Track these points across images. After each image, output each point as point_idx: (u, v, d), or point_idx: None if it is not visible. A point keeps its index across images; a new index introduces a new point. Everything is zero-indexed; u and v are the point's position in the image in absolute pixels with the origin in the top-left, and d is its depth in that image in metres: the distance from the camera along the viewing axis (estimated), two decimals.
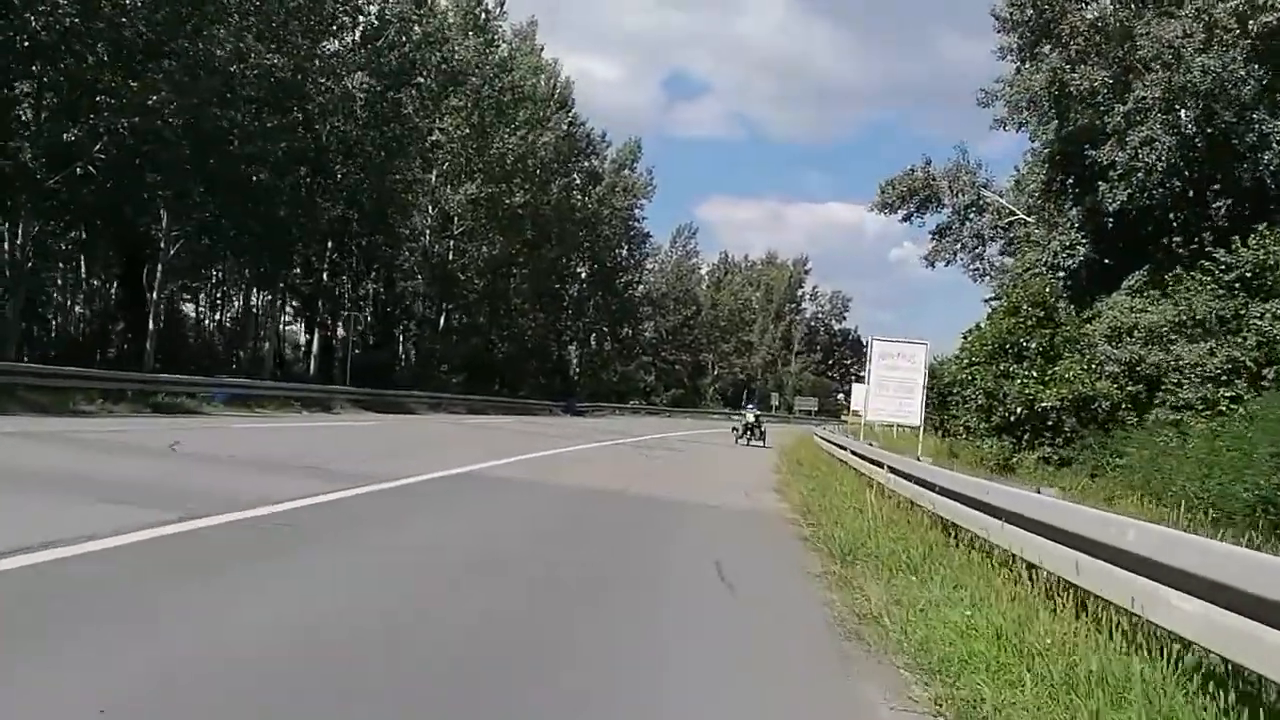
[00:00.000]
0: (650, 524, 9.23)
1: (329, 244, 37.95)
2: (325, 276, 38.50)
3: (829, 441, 21.59)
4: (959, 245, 31.00)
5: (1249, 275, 18.41)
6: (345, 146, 34.30)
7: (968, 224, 30.37)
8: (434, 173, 45.11)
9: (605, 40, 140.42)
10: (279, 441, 14.55)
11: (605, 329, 72.77)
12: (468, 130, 44.61)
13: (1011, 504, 6.45)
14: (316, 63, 31.70)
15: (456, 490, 10.11)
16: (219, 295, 39.68)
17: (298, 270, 39.40)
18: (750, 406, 29.75)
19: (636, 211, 71.31)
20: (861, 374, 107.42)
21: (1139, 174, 20.59)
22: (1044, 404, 19.98)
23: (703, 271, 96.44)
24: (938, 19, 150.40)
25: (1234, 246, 18.69)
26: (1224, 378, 17.92)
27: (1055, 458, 19.63)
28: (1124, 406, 19.51)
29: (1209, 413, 17.29)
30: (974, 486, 8.10)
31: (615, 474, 13.50)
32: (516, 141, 45.10)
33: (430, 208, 46.06)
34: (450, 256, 47.20)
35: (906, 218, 32.07)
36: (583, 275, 69.74)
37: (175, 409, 19.55)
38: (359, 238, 38.81)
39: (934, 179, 30.38)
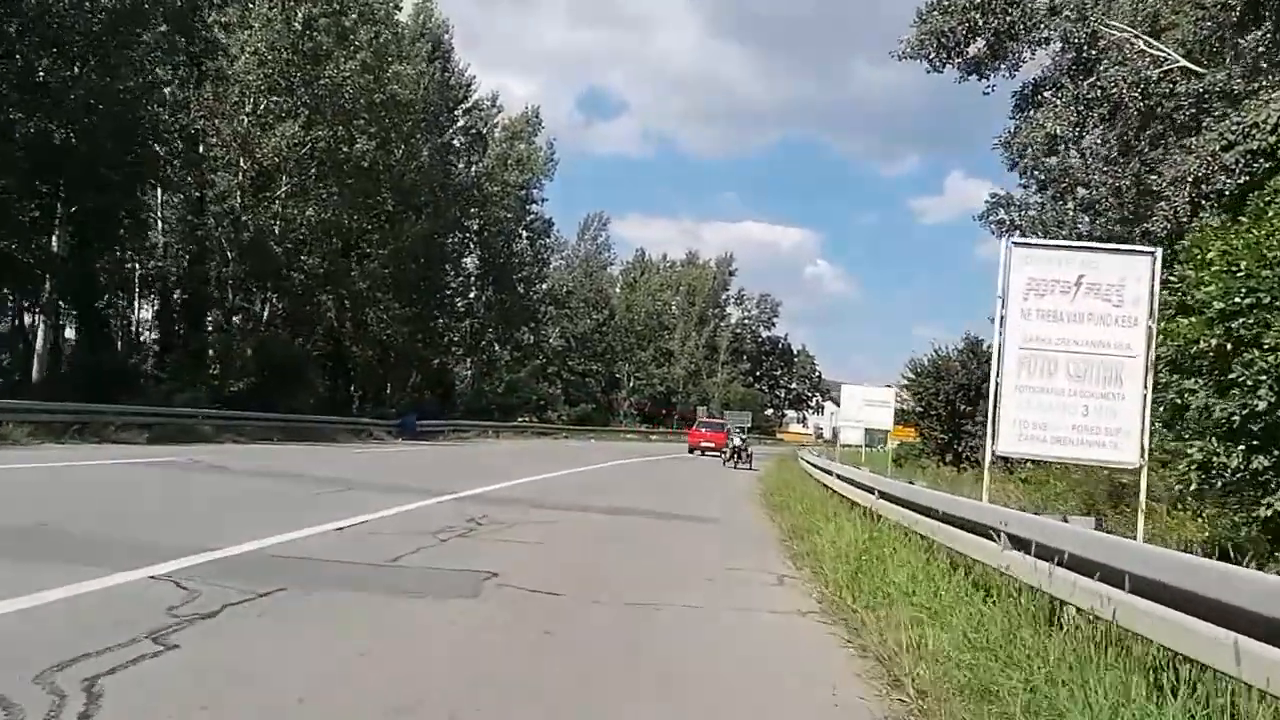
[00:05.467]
0: None
1: (59, 195, 25.62)
2: (55, 242, 26.13)
3: (847, 480, 11.09)
4: (1076, 112, 19.34)
5: None
6: (53, 31, 22.35)
7: (1083, 81, 18.97)
8: (245, 111, 33.24)
9: (520, 58, 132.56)
10: None
11: (500, 331, 61.12)
12: (289, 54, 32.91)
13: None
14: None
15: None
16: None
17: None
18: (736, 430, 32.86)
19: (535, 193, 59.98)
20: (801, 392, 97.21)
21: None
22: None
23: (615, 272, 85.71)
24: (846, 46, 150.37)
25: None
26: None
27: None
28: None
29: None
30: None
31: None
32: (357, 68, 33.45)
33: (241, 160, 34.09)
34: (277, 227, 35.14)
35: (969, 71, 20.45)
36: (469, 266, 58.16)
37: None
38: (104, 187, 26.53)
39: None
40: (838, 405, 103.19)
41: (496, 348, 63.66)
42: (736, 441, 30.26)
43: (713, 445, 34.39)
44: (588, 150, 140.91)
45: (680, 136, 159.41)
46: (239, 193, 34.31)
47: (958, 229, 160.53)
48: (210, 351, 30.44)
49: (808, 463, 19.93)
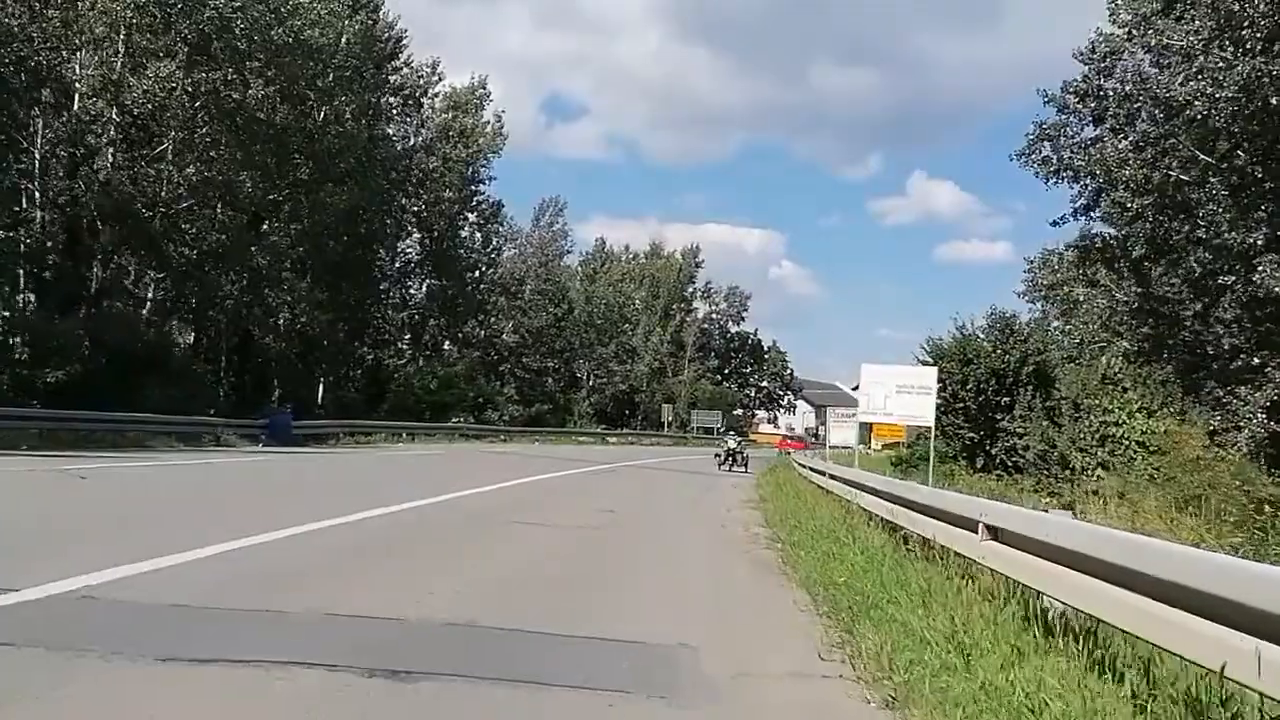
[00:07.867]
0: None
1: None
2: None
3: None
4: None
5: None
6: None
7: None
8: (112, 50, 27.54)
9: (482, 61, 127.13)
10: None
11: (445, 324, 55.48)
12: None
13: None
14: None
15: None
16: None
17: None
18: (730, 434, 35.22)
19: (483, 171, 54.42)
20: (772, 390, 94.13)
21: None
22: None
23: (574, 264, 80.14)
24: (810, 49, 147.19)
25: None
26: None
27: None
28: None
29: None
30: None
31: None
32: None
33: (112, 109, 28.32)
34: (163, 190, 29.36)
35: None
36: (411, 253, 52.55)
37: None
38: None
39: None
40: (810, 404, 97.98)
41: (447, 345, 58.12)
42: (732, 444, 30.58)
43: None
44: (550, 153, 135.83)
45: (644, 140, 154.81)
46: (111, 149, 28.60)
47: (920, 230, 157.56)
48: (21, 337, 24.17)
49: (836, 479, 13.36)
